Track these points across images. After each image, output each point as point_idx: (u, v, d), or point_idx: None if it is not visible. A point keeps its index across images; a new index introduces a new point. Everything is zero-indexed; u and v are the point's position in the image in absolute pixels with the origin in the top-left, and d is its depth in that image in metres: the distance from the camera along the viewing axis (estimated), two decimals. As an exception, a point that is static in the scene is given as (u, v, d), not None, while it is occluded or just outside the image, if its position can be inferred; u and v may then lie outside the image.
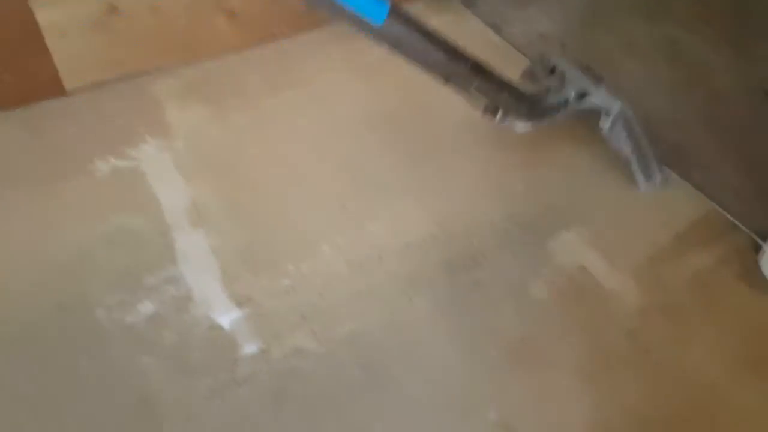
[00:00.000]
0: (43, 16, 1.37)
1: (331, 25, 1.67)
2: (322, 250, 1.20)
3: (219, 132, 1.43)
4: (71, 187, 1.30)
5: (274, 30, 1.63)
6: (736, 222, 1.26)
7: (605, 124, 1.29)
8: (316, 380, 1.02)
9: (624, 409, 0.99)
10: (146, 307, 1.11)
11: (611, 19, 1.74)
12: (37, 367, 1.03)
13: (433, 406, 0.99)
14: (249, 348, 1.06)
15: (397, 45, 1.02)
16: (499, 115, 1.21)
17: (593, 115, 1.30)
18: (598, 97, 1.28)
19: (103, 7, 1.44)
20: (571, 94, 1.28)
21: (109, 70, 1.53)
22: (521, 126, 1.25)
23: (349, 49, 1.63)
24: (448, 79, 1.10)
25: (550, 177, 1.35)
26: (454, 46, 1.08)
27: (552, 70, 1.34)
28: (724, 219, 1.27)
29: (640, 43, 1.68)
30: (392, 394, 1.00)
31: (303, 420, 0.97)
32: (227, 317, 1.10)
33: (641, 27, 1.70)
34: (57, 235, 1.21)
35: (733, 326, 1.09)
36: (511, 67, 1.49)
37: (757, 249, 1.20)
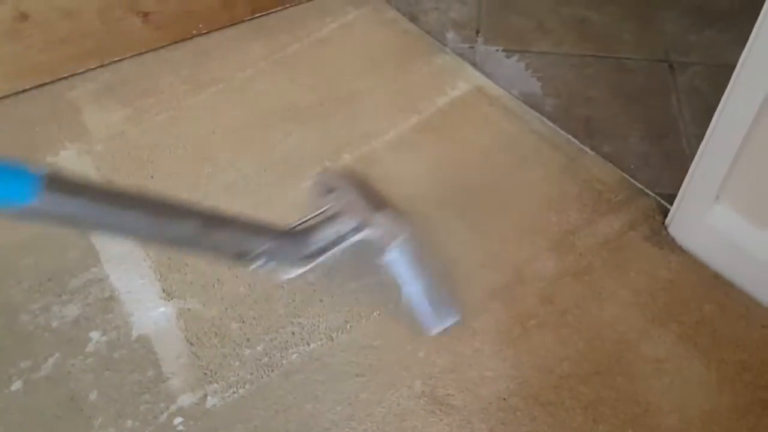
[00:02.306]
0: (-50, 27, 1.36)
1: (249, 21, 1.69)
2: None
3: (139, 132, 1.43)
4: (-11, 197, 1.28)
5: (191, 28, 1.63)
6: (644, 188, 1.32)
7: (385, 259, 1.03)
8: (244, 370, 1.04)
9: (542, 368, 1.04)
10: (71, 310, 1.11)
11: (523, 1, 1.80)
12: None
13: (356, 373, 1.02)
14: (176, 344, 1.07)
15: (73, 222, 0.80)
16: (257, 263, 0.96)
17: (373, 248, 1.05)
18: (378, 229, 1.03)
19: (13, 15, 1.42)
20: (347, 226, 1.03)
21: (24, 78, 1.51)
22: (288, 272, 1.04)
23: (267, 44, 1.64)
24: (174, 245, 0.93)
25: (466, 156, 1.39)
26: (166, 203, 0.86)
27: (330, 191, 1.11)
28: (632, 186, 1.32)
29: (551, 23, 1.75)
30: (320, 372, 1.03)
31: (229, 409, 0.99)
32: (154, 314, 1.10)
33: (551, 8, 1.77)
34: (-24, 245, 1.20)
35: (643, 285, 1.15)
36: (425, 57, 1.53)
37: (665, 212, 1.26)
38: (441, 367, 1.04)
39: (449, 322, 1.08)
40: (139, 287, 1.14)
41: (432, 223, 1.24)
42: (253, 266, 0.96)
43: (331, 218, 1.04)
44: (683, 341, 1.07)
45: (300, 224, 1.05)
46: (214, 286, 1.15)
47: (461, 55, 1.63)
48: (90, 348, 1.06)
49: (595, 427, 0.97)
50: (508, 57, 1.63)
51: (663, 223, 1.24)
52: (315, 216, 1.06)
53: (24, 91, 1.51)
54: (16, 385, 1.02)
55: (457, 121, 1.46)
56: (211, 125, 1.45)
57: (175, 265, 1.17)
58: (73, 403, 1.00)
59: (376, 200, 1.06)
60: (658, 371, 1.04)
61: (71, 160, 1.36)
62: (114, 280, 1.15)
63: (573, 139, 1.41)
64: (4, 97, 1.49)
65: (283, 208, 1.27)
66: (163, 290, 1.14)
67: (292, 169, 1.35)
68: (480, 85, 1.54)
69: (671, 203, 1.24)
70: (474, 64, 1.60)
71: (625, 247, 1.21)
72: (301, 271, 1.03)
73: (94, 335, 1.08)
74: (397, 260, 1.03)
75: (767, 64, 0.96)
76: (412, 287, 1.05)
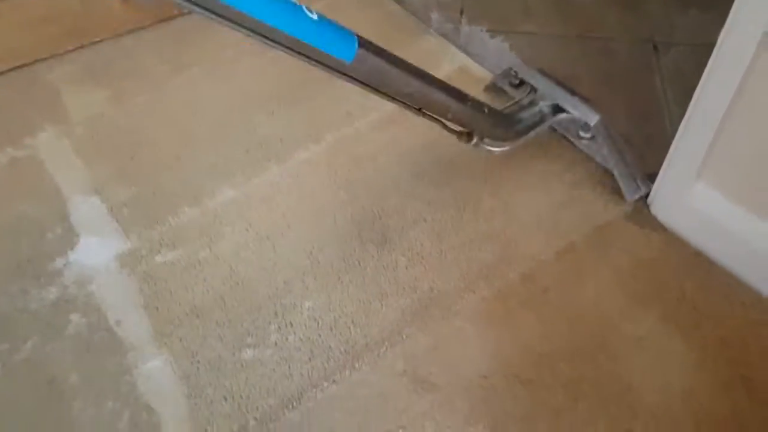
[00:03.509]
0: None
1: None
2: (225, 220, 1.21)
3: (119, 114, 1.41)
4: (-33, 180, 1.27)
5: (171, 8, 1.61)
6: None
7: (585, 136, 1.28)
8: (225, 349, 1.03)
9: (524, 347, 1.04)
10: (50, 293, 1.10)
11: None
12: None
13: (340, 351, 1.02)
14: (157, 326, 1.06)
15: (368, 79, 0.94)
16: (475, 140, 1.14)
17: (571, 127, 1.30)
18: (575, 110, 1.26)
19: (-11, -5, 1.41)
20: (546, 109, 1.26)
21: (1, 60, 1.49)
22: (498, 148, 1.19)
23: (249, 25, 1.62)
24: (421, 108, 1.03)
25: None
26: (426, 73, 1.00)
27: (519, 84, 1.34)
28: (616, 166, 1.32)
29: (535, 3, 1.74)
30: (303, 352, 1.03)
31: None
32: (133, 296, 1.10)
33: (536, -11, 1.75)
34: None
35: (624, 264, 1.15)
36: (409, 37, 1.52)
37: (647, 192, 1.26)
38: (423, 346, 1.04)
39: (644, 189, 1.24)
40: (116, 269, 1.13)
41: (413, 209, 1.24)
42: (472, 144, 1.13)
43: (533, 101, 1.26)
44: (664, 319, 1.07)
45: (508, 106, 1.26)
46: (195, 267, 1.14)
47: (445, 35, 1.62)
48: (70, 330, 1.05)
49: (575, 405, 0.97)
50: (492, 37, 1.61)
51: (645, 202, 1.24)
52: (519, 101, 1.27)
53: (1, 73, 1.48)
54: (-6, 368, 1.01)
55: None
56: (192, 106, 1.44)
57: (155, 247, 1.16)
58: (53, 386, 0.99)
59: (568, 87, 1.27)
60: (640, 349, 1.04)
61: (50, 143, 1.34)
62: (92, 262, 1.14)
63: (556, 120, 1.41)
64: (-21, 79, 1.47)
65: (267, 190, 1.26)
66: (140, 270, 1.13)
67: (274, 150, 1.34)
68: (464, 66, 1.53)
69: (653, 182, 1.23)
70: (458, 45, 1.59)
71: (607, 227, 1.21)
72: (512, 146, 1.20)
73: (74, 317, 1.07)
74: (598, 133, 1.24)
75: (746, 42, 0.96)
76: (613, 156, 1.24)
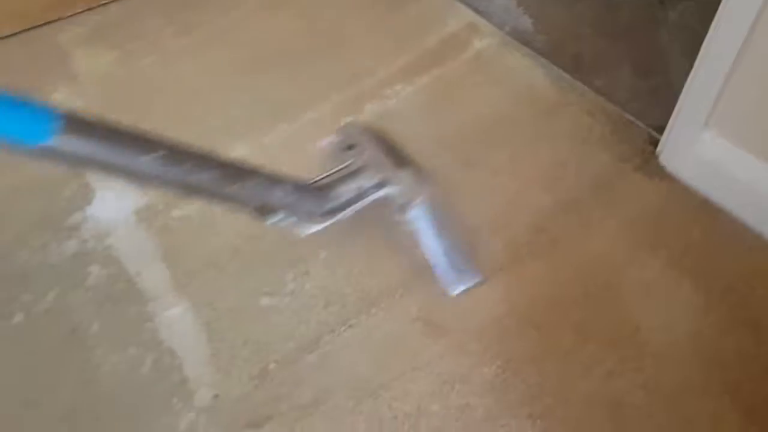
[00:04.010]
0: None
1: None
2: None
3: (129, 75, 1.43)
4: (-18, 140, 1.29)
5: (178, -30, 1.62)
6: (635, 120, 1.33)
7: (404, 216, 1.03)
8: (238, 298, 1.06)
9: (534, 293, 1.06)
10: (69, 247, 1.13)
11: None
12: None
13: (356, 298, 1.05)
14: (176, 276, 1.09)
15: (82, 163, 0.78)
16: (275, 218, 0.95)
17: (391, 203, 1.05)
18: (398, 187, 1.03)
19: (-3, -43, 1.41)
20: (369, 182, 1.03)
21: (12, 22, 1.50)
22: (308, 227, 1.00)
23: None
24: (191, 193, 0.89)
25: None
26: (185, 149, 0.84)
27: (350, 147, 1.10)
28: (623, 119, 1.33)
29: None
30: (318, 298, 1.05)
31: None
32: (151, 249, 1.12)
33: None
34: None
35: (632, 214, 1.17)
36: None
37: (655, 143, 1.27)
38: (436, 294, 1.06)
39: (471, 282, 1.07)
40: (132, 220, 1.16)
41: (424, 157, 1.25)
42: (272, 220, 0.95)
43: (352, 174, 1.03)
44: (671, 265, 1.09)
45: (321, 179, 1.03)
46: (211, 221, 1.16)
47: (452, -8, 1.62)
48: (90, 282, 1.08)
49: (584, 346, 0.99)
50: (498, -6, 1.62)
51: (653, 153, 1.26)
52: (336, 171, 1.04)
53: (12, 35, 1.50)
54: (18, 318, 1.04)
55: (448, 57, 1.45)
56: (200, 67, 1.45)
57: (171, 201, 1.18)
58: (75, 335, 1.02)
59: (398, 157, 1.06)
60: (647, 294, 1.06)
61: (63, 103, 1.36)
62: (110, 218, 1.16)
63: (564, 74, 1.42)
64: (-9, 42, 1.48)
65: (274, 150, 1.27)
66: (155, 223, 1.16)
67: (282, 111, 1.35)
68: (471, 22, 1.53)
69: (661, 134, 1.25)
70: (465, 2, 1.59)
71: (616, 177, 1.22)
72: (321, 226, 1.00)
73: (94, 269, 1.09)
74: (418, 218, 1.02)
75: (756, -13, 0.97)
76: (433, 246, 1.04)
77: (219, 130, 1.31)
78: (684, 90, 1.15)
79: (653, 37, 1.53)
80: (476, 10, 1.57)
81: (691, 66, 1.13)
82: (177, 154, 0.82)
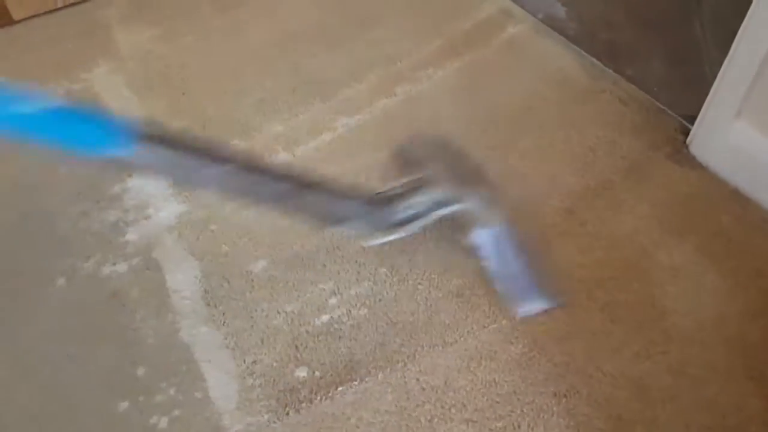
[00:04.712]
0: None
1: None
2: (273, 152, 1.25)
3: (169, 51, 1.46)
4: (26, 110, 1.33)
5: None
6: (667, 109, 1.33)
7: (475, 237, 1.01)
8: (271, 264, 1.09)
9: (563, 273, 1.08)
10: (109, 215, 1.16)
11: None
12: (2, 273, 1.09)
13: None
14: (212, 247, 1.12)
15: (165, 172, 0.87)
16: (345, 226, 0.99)
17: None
18: (470, 206, 1.01)
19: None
20: (439, 198, 1.00)
21: (56, -2, 1.54)
22: (371, 240, 1.02)
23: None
24: (261, 202, 0.95)
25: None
26: (254, 163, 0.89)
27: (419, 159, 1.07)
28: (655, 107, 1.34)
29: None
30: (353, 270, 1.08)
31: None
32: (189, 219, 1.15)
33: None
34: (15, 157, 1.25)
35: (662, 200, 1.18)
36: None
37: (686, 132, 1.28)
38: (473, 270, 1.08)
39: (541, 305, 1.03)
40: (174, 195, 1.19)
41: (455, 138, 1.27)
42: (340, 229, 0.97)
43: (420, 188, 1.00)
44: (699, 250, 1.10)
45: (390, 190, 1.01)
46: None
47: (486, -22, 1.63)
48: (129, 250, 1.11)
49: (611, 327, 1.01)
50: (533, -19, 1.63)
51: (684, 142, 1.27)
52: (405, 184, 1.01)
53: (55, 10, 1.53)
54: (60, 282, 1.07)
55: (481, 42, 1.47)
56: (238, 46, 1.48)
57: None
58: (116, 299, 1.06)
59: (471, 175, 1.04)
60: (674, 278, 1.07)
61: (104, 77, 1.40)
62: (150, 189, 1.20)
63: (597, 62, 1.43)
64: (36, 15, 1.52)
65: (311, 127, 1.30)
66: (199, 197, 1.19)
67: (318, 89, 1.38)
68: (505, 8, 1.55)
69: (693, 124, 1.26)
70: (498, -12, 1.61)
71: (647, 165, 1.23)
72: (386, 239, 1.00)
73: (133, 238, 1.13)
74: (487, 241, 1.00)
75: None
76: (500, 268, 1.02)
77: (255, 107, 1.34)
78: (717, 80, 1.16)
79: (686, 28, 1.53)
80: (510, -4, 1.58)
81: (723, 57, 1.13)
82: (247, 167, 0.87)
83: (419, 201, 0.99)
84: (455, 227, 1.05)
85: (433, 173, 1.02)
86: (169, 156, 0.80)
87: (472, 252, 1.02)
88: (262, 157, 1.04)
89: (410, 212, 0.99)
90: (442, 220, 1.02)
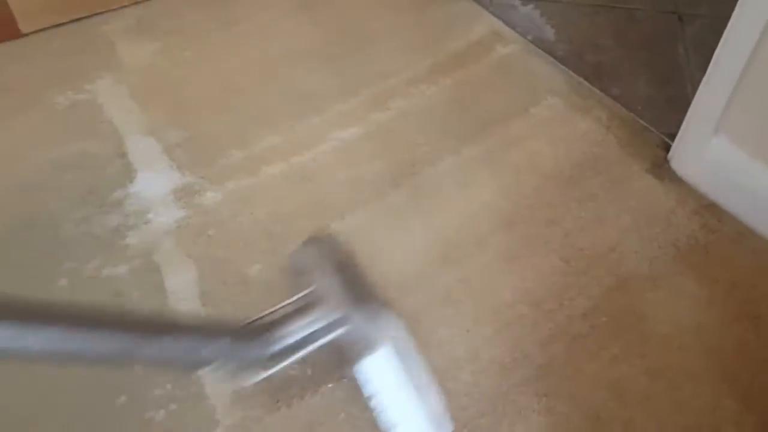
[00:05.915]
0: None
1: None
2: (269, 162, 1.30)
3: (170, 65, 1.51)
4: (32, 119, 1.38)
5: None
6: (649, 126, 1.39)
7: (363, 362, 0.83)
8: (265, 265, 1.13)
9: (545, 282, 1.12)
10: (111, 220, 1.20)
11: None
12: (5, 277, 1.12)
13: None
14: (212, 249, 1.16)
15: None
16: (212, 367, 0.75)
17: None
18: (360, 328, 0.83)
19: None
20: (324, 320, 0.82)
21: (62, 12, 1.59)
22: (251, 376, 0.80)
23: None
24: (117, 358, 0.70)
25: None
26: (88, 314, 0.67)
27: (306, 272, 0.89)
28: (638, 125, 1.39)
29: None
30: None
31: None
32: (188, 225, 1.20)
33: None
34: (20, 162, 1.29)
35: (642, 212, 1.23)
36: (443, 1, 1.57)
37: (668, 148, 1.33)
38: (456, 278, 1.12)
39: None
40: (174, 202, 1.23)
41: (445, 149, 1.32)
42: (208, 371, 0.77)
43: (302, 310, 0.82)
44: (678, 261, 1.15)
45: (263, 317, 0.83)
46: (243, 201, 1.23)
47: (478, 0, 1.69)
48: (130, 253, 1.15)
49: (592, 332, 1.05)
50: (524, 5, 1.69)
51: (665, 158, 1.32)
52: (283, 306, 0.84)
53: (61, 24, 1.59)
54: (62, 282, 1.11)
55: (472, 61, 1.53)
56: (236, 61, 1.53)
57: (206, 183, 1.26)
58: (117, 299, 1.09)
59: (359, 290, 0.85)
60: (653, 287, 1.12)
61: (107, 88, 1.45)
62: (150, 195, 1.24)
63: (584, 82, 1.48)
64: (43, 30, 1.57)
65: (307, 139, 1.35)
66: (192, 203, 1.23)
67: (314, 104, 1.43)
68: (496, 30, 1.61)
69: (674, 141, 1.31)
70: (490, 11, 1.67)
71: (629, 179, 1.28)
72: (267, 373, 0.80)
73: (134, 242, 1.17)
74: (378, 365, 0.82)
75: (763, 5, 1.03)
76: (394, 394, 0.84)
77: (252, 119, 1.39)
78: (696, 97, 1.22)
79: (670, 51, 1.59)
80: (501, 19, 1.64)
81: (704, 79, 1.19)
82: (81, 321, 0.66)
83: (298, 326, 0.81)
84: (340, 357, 0.88)
85: (318, 288, 0.85)
86: None
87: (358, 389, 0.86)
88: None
89: (291, 340, 0.81)
90: (325, 347, 0.83)
